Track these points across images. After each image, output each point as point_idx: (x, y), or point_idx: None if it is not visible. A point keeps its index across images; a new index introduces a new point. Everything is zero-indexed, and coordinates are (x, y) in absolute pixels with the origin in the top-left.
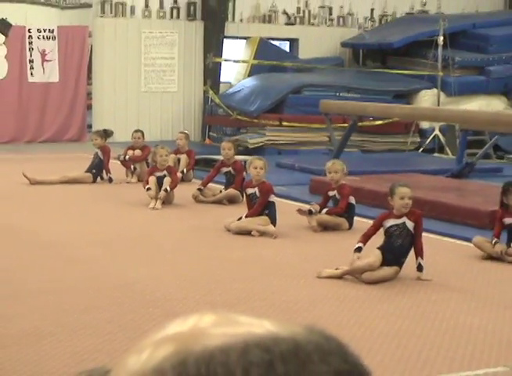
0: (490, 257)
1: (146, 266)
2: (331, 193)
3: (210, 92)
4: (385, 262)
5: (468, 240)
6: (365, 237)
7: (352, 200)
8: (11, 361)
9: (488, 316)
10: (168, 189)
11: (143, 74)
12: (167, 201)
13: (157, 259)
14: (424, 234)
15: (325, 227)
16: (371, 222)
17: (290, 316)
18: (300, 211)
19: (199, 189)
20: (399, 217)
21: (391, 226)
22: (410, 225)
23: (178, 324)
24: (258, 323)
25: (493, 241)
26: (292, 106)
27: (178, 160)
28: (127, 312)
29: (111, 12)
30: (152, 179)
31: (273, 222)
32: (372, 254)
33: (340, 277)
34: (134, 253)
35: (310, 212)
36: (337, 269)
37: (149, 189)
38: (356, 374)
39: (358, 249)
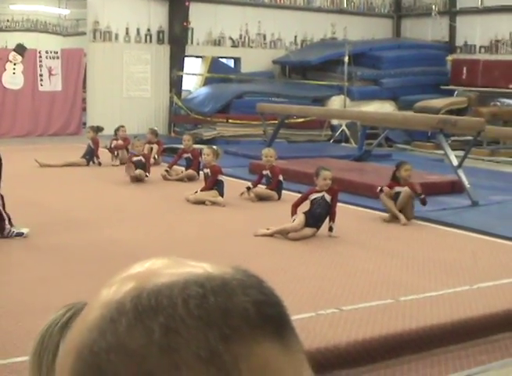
0: (390, 220)
1: (126, 227)
2: (265, 172)
3: (175, 97)
4: (307, 224)
5: (366, 207)
6: (295, 207)
7: (281, 177)
8: (29, 298)
9: (380, 262)
10: (148, 174)
11: (124, 84)
12: (141, 179)
13: (135, 222)
14: None
15: (260, 198)
16: (295, 194)
17: (234, 263)
18: (242, 193)
19: (166, 171)
20: (320, 191)
21: (314, 198)
22: (328, 198)
23: (138, 266)
24: (199, 265)
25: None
26: (236, 108)
27: (151, 148)
28: (113, 262)
29: (101, 38)
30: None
31: (221, 194)
32: (297, 217)
33: (271, 235)
34: (117, 217)
35: (248, 188)
36: (268, 229)
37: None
38: (270, 302)
39: (294, 221)
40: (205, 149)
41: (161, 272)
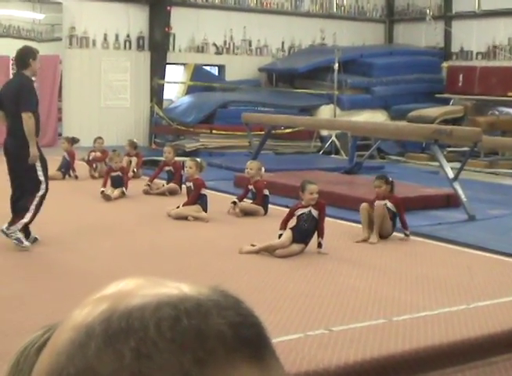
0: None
1: (104, 243)
2: (250, 186)
3: (156, 107)
4: (295, 241)
5: (356, 222)
6: (284, 224)
7: (267, 192)
8: (1, 317)
9: (371, 280)
10: (125, 190)
11: (102, 93)
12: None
13: (114, 238)
14: None
15: (246, 213)
16: (282, 208)
17: (218, 282)
18: (229, 211)
19: (147, 185)
20: (307, 207)
21: (301, 214)
22: (315, 212)
23: (113, 286)
24: (174, 285)
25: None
26: (220, 118)
27: (130, 161)
28: (90, 279)
29: (77, 44)
30: (108, 186)
31: (205, 209)
32: (284, 234)
33: (257, 252)
34: (95, 233)
35: (234, 203)
36: (253, 245)
37: (103, 191)
38: (247, 324)
39: (280, 236)
40: (188, 161)
41: (134, 294)
